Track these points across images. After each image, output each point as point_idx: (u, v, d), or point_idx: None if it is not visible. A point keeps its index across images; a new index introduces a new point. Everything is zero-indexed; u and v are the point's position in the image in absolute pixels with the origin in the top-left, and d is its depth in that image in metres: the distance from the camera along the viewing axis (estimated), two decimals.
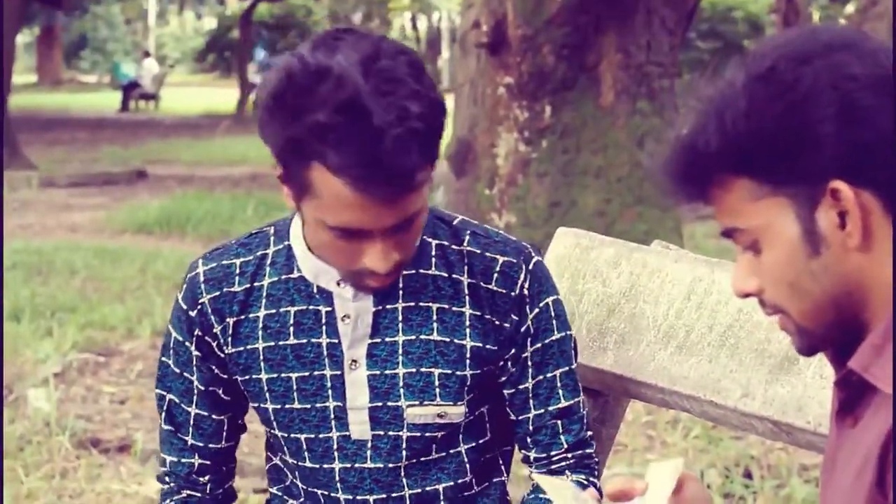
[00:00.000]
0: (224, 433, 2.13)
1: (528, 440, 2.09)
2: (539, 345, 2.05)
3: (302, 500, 2.12)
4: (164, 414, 2.14)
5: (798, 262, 1.43)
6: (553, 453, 2.08)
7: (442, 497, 2.08)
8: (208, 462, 2.13)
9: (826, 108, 1.38)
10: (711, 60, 22.91)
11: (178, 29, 58.76)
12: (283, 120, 1.76)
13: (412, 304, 2.01)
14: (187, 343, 2.06)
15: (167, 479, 2.16)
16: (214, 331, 2.04)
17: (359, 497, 2.06)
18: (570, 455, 2.08)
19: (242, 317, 2.03)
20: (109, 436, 5.35)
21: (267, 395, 2.05)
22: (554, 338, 2.06)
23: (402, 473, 2.05)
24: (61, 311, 7.59)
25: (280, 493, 2.16)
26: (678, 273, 2.23)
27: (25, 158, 16.87)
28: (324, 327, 2.02)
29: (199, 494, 2.15)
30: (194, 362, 2.07)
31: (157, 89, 33.46)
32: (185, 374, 2.08)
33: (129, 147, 20.91)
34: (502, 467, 2.16)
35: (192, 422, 2.11)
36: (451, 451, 2.08)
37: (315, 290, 2.01)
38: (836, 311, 1.44)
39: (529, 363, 2.05)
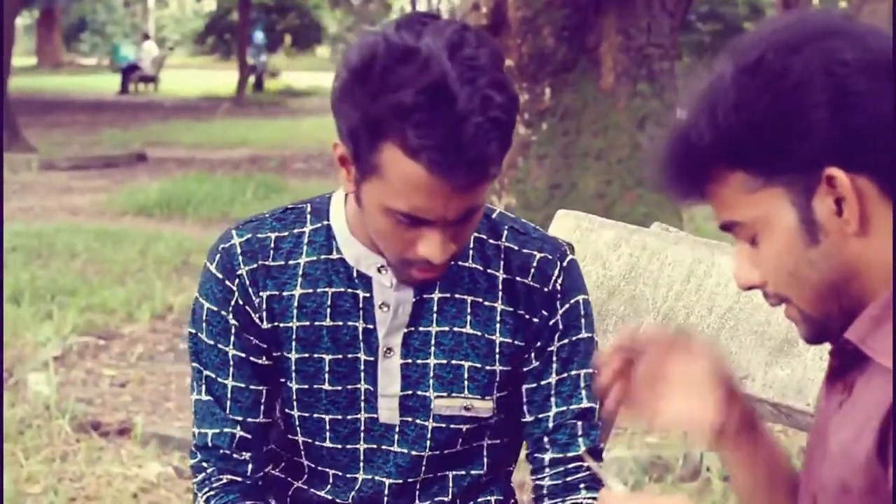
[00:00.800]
0: (262, 406, 2.04)
1: (545, 440, 2.05)
2: (566, 341, 2.03)
3: (305, 476, 2.11)
4: (201, 386, 2.04)
5: (797, 251, 1.44)
6: (570, 455, 2.04)
7: (452, 484, 2.08)
8: (249, 436, 2.04)
9: (819, 94, 1.38)
10: (712, 43, 22.88)
11: (177, 11, 58.66)
12: (364, 96, 1.74)
13: (448, 295, 2.01)
14: (223, 312, 2.01)
15: (204, 462, 2.05)
16: (255, 301, 2.00)
17: (376, 478, 2.06)
18: (584, 465, 2.04)
19: (276, 292, 2.00)
20: (109, 419, 5.35)
21: (294, 374, 2.02)
22: (581, 336, 2.04)
23: (423, 462, 2.05)
24: (61, 294, 7.59)
25: (282, 475, 2.15)
26: (678, 255, 2.23)
27: (25, 141, 16.87)
28: (361, 312, 2.00)
29: (240, 479, 2.04)
30: (231, 332, 2.01)
31: (157, 72, 33.44)
32: (220, 345, 2.02)
33: (129, 130, 20.90)
34: (510, 457, 2.16)
35: (229, 395, 2.02)
36: (475, 445, 2.07)
37: (354, 274, 2.00)
38: (837, 298, 1.45)
39: (555, 358, 2.03)
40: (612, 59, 7.66)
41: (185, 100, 28.86)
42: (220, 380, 2.03)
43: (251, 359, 2.02)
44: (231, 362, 2.02)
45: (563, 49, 7.58)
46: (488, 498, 2.12)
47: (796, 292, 1.47)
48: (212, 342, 2.02)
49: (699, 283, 2.18)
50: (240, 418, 2.03)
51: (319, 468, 2.09)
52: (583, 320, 2.05)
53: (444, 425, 2.03)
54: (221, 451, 2.04)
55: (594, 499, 2.00)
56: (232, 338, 2.01)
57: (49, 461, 4.87)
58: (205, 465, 2.05)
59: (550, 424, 2.05)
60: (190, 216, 11.57)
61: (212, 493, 2.04)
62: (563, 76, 7.61)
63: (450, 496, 2.09)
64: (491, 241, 2.03)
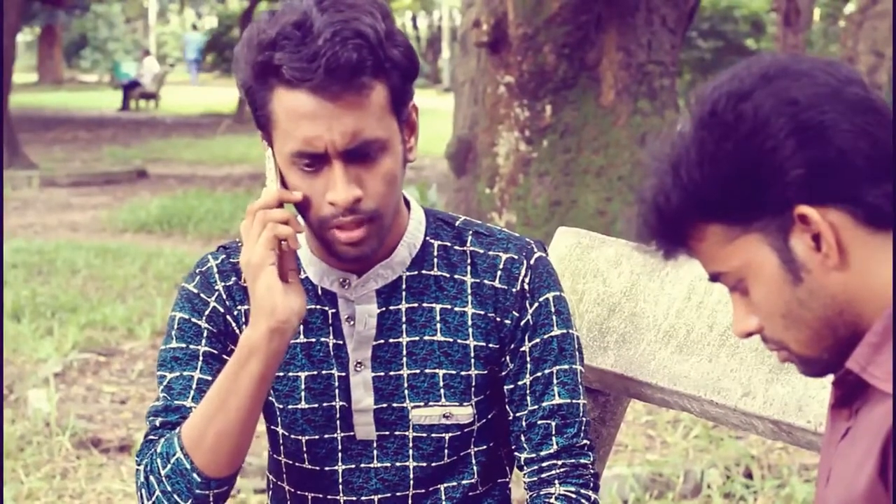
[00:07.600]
0: None
1: (522, 439, 2.06)
2: (538, 340, 2.04)
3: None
4: (161, 392, 2.03)
5: (784, 292, 1.46)
6: (543, 454, 2.05)
7: (444, 497, 2.08)
8: None
9: (776, 136, 1.41)
10: (713, 60, 22.90)
11: (178, 28, 58.74)
12: (248, 51, 1.88)
13: (415, 304, 2.03)
14: (194, 319, 2.03)
15: (152, 436, 2.00)
16: (234, 313, 2.04)
17: (363, 498, 2.06)
18: (559, 462, 2.05)
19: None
20: (110, 436, 5.34)
21: (271, 392, 2.05)
22: (553, 334, 2.05)
23: (410, 473, 2.06)
24: (62, 310, 7.59)
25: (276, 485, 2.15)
26: (678, 272, 2.23)
27: (26, 157, 16.87)
28: (330, 328, 2.03)
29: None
30: (204, 334, 2.03)
31: (158, 88, 33.44)
32: (191, 345, 2.03)
33: (130, 146, 20.92)
34: (506, 468, 2.16)
35: (194, 386, 2.00)
36: (462, 454, 2.07)
37: (320, 292, 2.03)
38: (832, 332, 1.47)
39: (528, 358, 2.05)
40: (612, 75, 7.67)
41: (185, 117, 28.90)
42: (185, 373, 2.02)
43: (224, 356, 2.02)
44: (200, 357, 2.03)
45: (564, 66, 7.59)
46: None
47: (792, 335, 1.48)
48: (182, 345, 2.03)
49: (700, 301, 2.18)
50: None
51: (299, 492, 2.09)
52: (554, 317, 2.06)
53: (424, 435, 2.04)
54: (171, 422, 2.00)
55: (570, 492, 2.03)
56: (203, 340, 2.03)
57: (49, 478, 4.87)
58: (153, 436, 2.01)
59: (524, 423, 2.06)
60: (190, 233, 11.58)
61: (154, 446, 1.98)
62: (563, 93, 7.62)
63: None
64: (456, 247, 2.05)
